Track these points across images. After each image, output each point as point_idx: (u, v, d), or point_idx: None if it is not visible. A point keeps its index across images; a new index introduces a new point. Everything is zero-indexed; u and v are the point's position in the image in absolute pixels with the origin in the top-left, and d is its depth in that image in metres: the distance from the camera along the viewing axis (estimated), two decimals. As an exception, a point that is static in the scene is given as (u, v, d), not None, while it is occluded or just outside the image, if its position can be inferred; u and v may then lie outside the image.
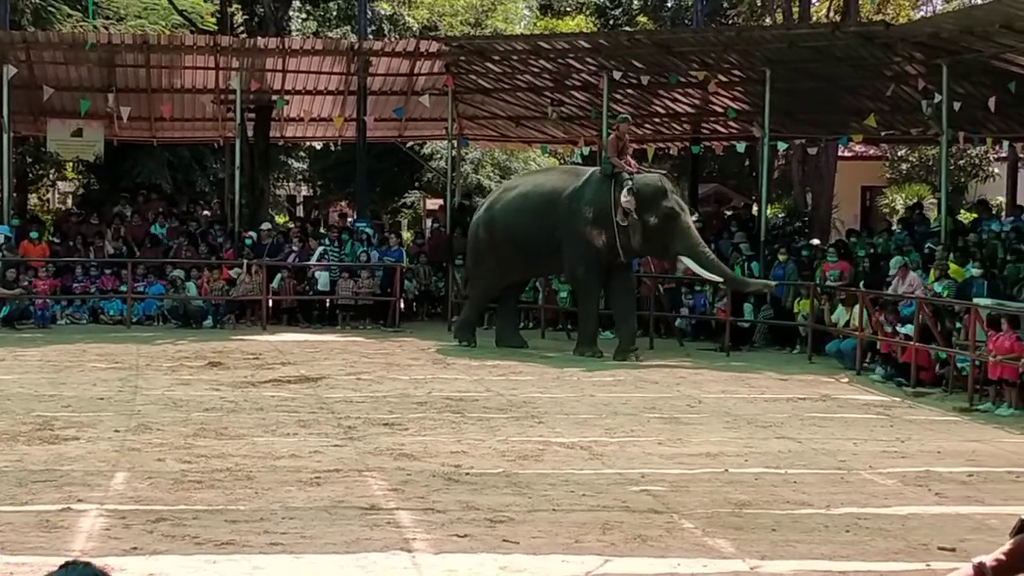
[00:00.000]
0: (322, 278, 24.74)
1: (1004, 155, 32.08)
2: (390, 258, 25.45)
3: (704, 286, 22.92)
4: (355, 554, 8.34)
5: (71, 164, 34.53)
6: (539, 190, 21.21)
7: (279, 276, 24.57)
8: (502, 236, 21.04)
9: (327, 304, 25.16)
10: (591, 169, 21.83)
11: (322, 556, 8.31)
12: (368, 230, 26.11)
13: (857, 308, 19.46)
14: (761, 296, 22.57)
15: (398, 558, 8.29)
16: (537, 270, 22.47)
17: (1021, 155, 31.23)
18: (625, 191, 19.95)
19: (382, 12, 37.57)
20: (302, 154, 42.19)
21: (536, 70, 27.40)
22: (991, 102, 22.39)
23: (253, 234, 25.70)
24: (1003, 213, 27.09)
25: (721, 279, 20.98)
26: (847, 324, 19.99)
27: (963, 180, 36.89)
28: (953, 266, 20.02)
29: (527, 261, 21.18)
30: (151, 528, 8.86)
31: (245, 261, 24.44)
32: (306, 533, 8.80)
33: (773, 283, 21.69)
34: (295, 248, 25.29)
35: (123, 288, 24.17)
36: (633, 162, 21.46)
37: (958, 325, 17.97)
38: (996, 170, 36.58)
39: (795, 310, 21.88)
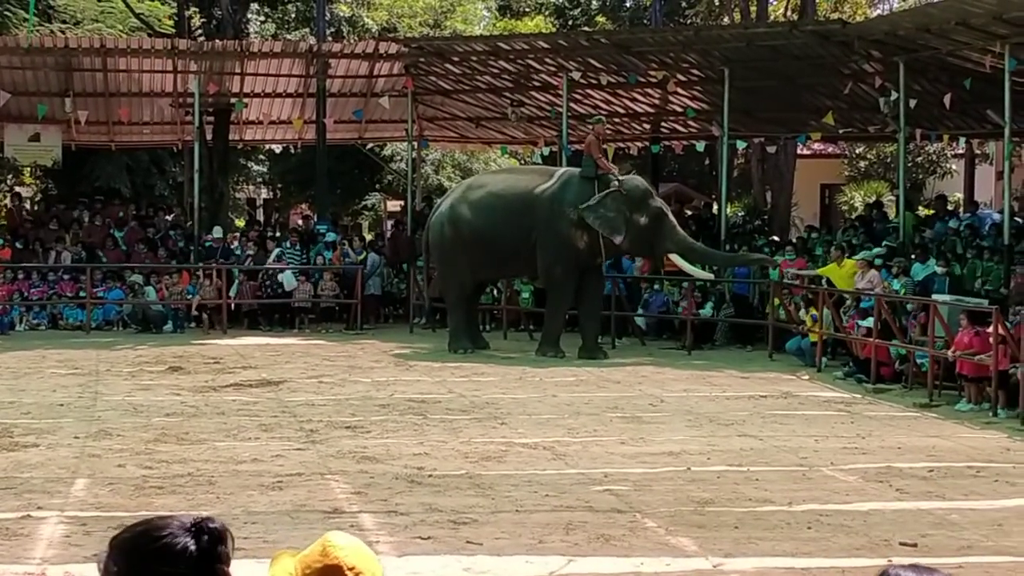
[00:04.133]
0: (287, 278, 24.60)
1: (961, 152, 32.35)
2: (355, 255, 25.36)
3: (666, 285, 22.96)
4: (318, 558, 8.29)
5: (29, 169, 34.26)
6: (513, 189, 20.90)
7: (236, 281, 24.45)
8: (469, 234, 20.74)
9: (288, 307, 25.01)
10: (562, 169, 21.76)
11: (285, 560, 8.26)
12: (332, 236, 26.01)
13: (821, 306, 19.55)
14: (722, 294, 22.74)
15: (361, 561, 8.26)
16: (507, 271, 22.21)
17: (978, 152, 31.48)
18: (591, 203, 19.93)
19: (341, 14, 37.50)
20: (262, 157, 42.02)
21: (495, 71, 27.42)
22: (947, 99, 22.55)
23: (210, 236, 25.68)
24: (961, 209, 27.28)
25: (711, 277, 21.64)
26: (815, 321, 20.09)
27: (921, 177, 37.14)
28: (848, 262, 20.31)
29: (497, 261, 20.96)
30: (112, 535, 8.79)
31: (203, 266, 24.38)
32: (268, 538, 8.76)
33: (776, 260, 21.93)
34: (251, 252, 25.23)
35: (82, 294, 24.02)
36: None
37: (914, 317, 18.09)
38: (953, 167, 36.84)
39: (767, 309, 21.89)
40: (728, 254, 22.35)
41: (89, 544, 8.57)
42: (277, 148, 37.31)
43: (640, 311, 23.57)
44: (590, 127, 22.28)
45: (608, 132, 29.99)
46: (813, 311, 19.59)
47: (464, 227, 20.84)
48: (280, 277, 24.68)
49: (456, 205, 21.27)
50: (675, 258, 20.69)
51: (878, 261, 20.50)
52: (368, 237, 30.49)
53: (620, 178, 20.61)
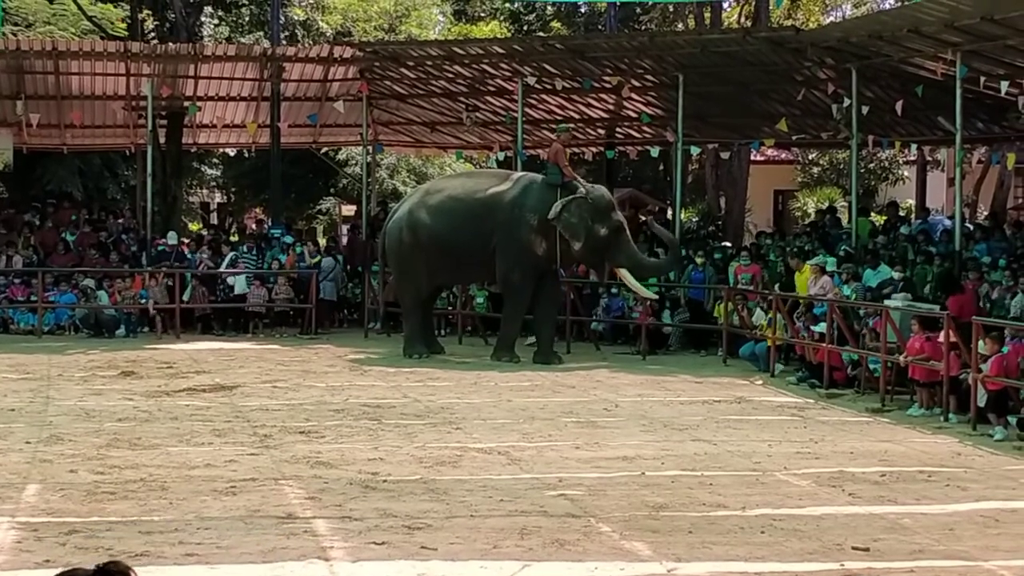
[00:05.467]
0: (238, 283, 24.50)
1: (913, 158, 32.58)
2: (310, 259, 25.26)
3: (622, 290, 22.97)
4: (272, 564, 8.28)
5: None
6: (472, 194, 20.82)
7: (190, 285, 24.30)
8: (428, 239, 20.66)
9: (242, 312, 24.87)
10: (520, 174, 21.75)
11: (238, 566, 8.24)
12: (288, 239, 25.94)
13: (772, 311, 19.62)
14: (677, 299, 22.81)
15: (315, 567, 8.25)
16: (465, 276, 22.12)
17: (929, 158, 31.71)
18: (556, 206, 19.94)
19: (295, 17, 37.35)
20: (215, 161, 41.84)
21: (451, 76, 27.40)
22: (899, 106, 22.72)
23: (164, 240, 25.53)
24: (912, 215, 27.49)
25: (654, 296, 21.69)
26: (762, 326, 20.18)
27: (873, 183, 37.38)
28: (808, 267, 20.38)
29: (456, 266, 20.91)
30: (64, 540, 8.74)
31: (155, 269, 24.23)
32: (222, 543, 8.72)
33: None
34: (205, 256, 25.08)
35: (34, 298, 23.82)
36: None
37: (868, 323, 18.19)
38: (906, 173, 37.11)
39: (715, 314, 21.98)
40: (671, 258, 22.00)
41: (40, 550, 8.51)
42: (231, 152, 37.17)
43: (596, 316, 23.61)
44: (556, 136, 22.23)
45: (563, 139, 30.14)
46: (771, 314, 19.64)
47: (423, 232, 20.78)
48: (230, 280, 24.56)
49: (415, 210, 21.16)
50: (623, 273, 20.70)
51: (831, 267, 20.58)
52: (322, 242, 30.44)
53: (587, 186, 20.63)
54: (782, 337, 19.30)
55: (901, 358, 16.29)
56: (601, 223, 20.15)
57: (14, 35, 27.83)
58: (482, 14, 45.36)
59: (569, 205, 20.00)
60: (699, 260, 23.21)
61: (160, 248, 25.39)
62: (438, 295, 22.90)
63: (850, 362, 18.09)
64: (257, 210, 42.16)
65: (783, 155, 37.91)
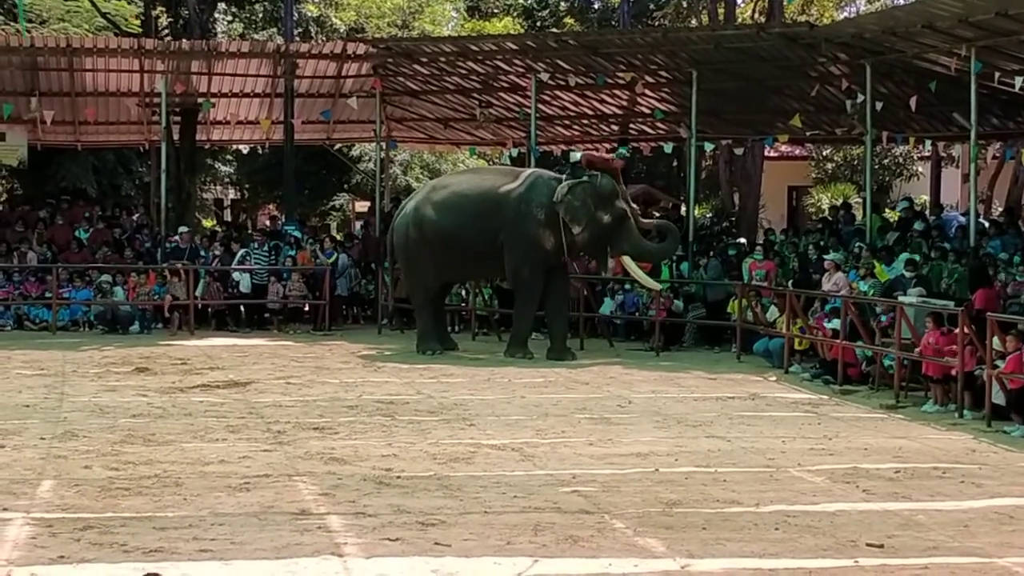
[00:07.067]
0: (244, 281, 24.50)
1: (927, 155, 32.51)
2: (325, 259, 25.25)
3: (636, 286, 22.91)
4: (285, 560, 8.29)
5: (-6, 169, 34.05)
6: (478, 190, 20.77)
7: (203, 281, 24.30)
8: (434, 236, 20.61)
9: (255, 308, 24.87)
10: (529, 170, 21.69)
11: (252, 562, 8.25)
12: (297, 233, 25.98)
13: (786, 308, 19.57)
14: (691, 295, 22.76)
15: (329, 563, 8.25)
16: (473, 272, 22.05)
17: (943, 154, 31.66)
18: (562, 187, 19.94)
19: (308, 14, 37.39)
20: (229, 157, 41.87)
21: (464, 72, 27.40)
22: (913, 102, 22.67)
23: (177, 238, 25.55)
24: (927, 211, 27.40)
25: (658, 287, 21.56)
26: (776, 323, 20.12)
27: (887, 179, 37.28)
28: (879, 267, 20.21)
29: (463, 262, 20.87)
30: (78, 536, 8.76)
31: (168, 266, 24.24)
32: (236, 539, 8.73)
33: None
34: (217, 252, 25.09)
35: (48, 294, 23.85)
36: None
37: (883, 318, 18.15)
38: (920, 169, 37.01)
39: (728, 310, 21.88)
40: (672, 240, 21.65)
41: (55, 546, 8.53)
42: (244, 148, 37.22)
43: (610, 312, 23.57)
44: (612, 157, 22.19)
45: (575, 133, 30.20)
46: (785, 314, 19.53)
47: (429, 228, 20.76)
48: (236, 276, 24.56)
49: (420, 206, 21.14)
50: (627, 261, 20.63)
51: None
52: (337, 238, 30.43)
53: (593, 174, 20.52)
54: (799, 334, 19.22)
55: (916, 351, 16.25)
56: (604, 210, 20.12)
57: (28, 32, 27.87)
58: (495, 10, 45.32)
59: (574, 188, 20.00)
60: (703, 261, 23.22)
61: (173, 244, 25.40)
62: (448, 291, 22.87)
63: (864, 358, 18.06)
64: (271, 206, 42.20)
65: (797, 151, 37.84)
